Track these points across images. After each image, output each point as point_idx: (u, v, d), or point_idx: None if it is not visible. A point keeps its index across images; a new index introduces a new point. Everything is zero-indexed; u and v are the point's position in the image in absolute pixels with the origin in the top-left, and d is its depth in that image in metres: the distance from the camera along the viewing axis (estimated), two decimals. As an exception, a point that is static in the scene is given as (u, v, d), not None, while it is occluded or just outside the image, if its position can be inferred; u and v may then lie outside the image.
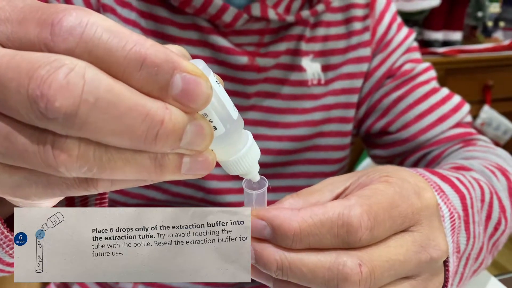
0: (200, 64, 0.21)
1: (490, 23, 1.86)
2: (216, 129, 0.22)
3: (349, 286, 0.25)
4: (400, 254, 0.26)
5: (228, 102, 0.22)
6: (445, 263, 0.31)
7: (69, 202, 0.33)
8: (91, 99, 0.17)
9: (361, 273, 0.25)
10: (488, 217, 0.39)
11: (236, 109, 0.23)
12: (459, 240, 0.33)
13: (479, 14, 1.81)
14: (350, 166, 0.38)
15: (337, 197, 0.29)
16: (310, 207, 0.26)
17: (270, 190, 0.54)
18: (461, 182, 0.36)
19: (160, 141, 0.18)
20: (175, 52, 0.19)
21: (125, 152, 0.19)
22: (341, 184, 0.30)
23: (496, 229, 0.40)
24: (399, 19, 0.61)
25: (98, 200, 0.33)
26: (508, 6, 1.95)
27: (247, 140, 0.24)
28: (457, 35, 1.75)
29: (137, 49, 0.18)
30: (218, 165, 0.28)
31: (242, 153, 0.24)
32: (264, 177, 0.27)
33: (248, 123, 0.53)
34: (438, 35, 1.74)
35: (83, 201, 0.33)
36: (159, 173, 0.20)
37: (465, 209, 0.34)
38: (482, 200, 0.38)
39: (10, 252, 0.27)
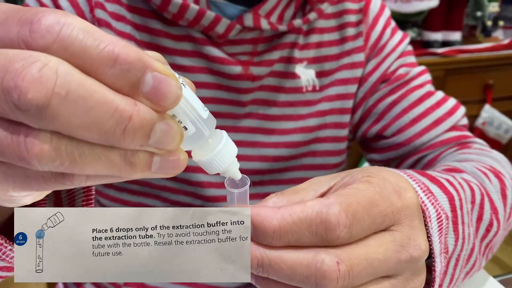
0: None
1: (489, 23, 1.85)
2: (186, 129, 0.22)
3: (327, 283, 0.25)
4: (379, 253, 0.26)
5: (196, 103, 0.22)
6: (432, 263, 0.31)
7: (56, 200, 0.34)
8: (63, 92, 0.18)
9: (339, 270, 0.25)
10: (479, 218, 0.39)
11: (206, 108, 0.23)
12: (447, 241, 0.33)
13: (478, 13, 1.81)
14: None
15: (321, 196, 0.29)
16: (290, 205, 0.26)
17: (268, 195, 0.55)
18: (451, 183, 0.37)
19: (128, 137, 0.19)
20: (149, 55, 0.20)
21: (96, 147, 0.19)
22: (325, 184, 0.30)
23: (488, 230, 0.40)
24: (393, 24, 0.61)
25: (85, 196, 0.33)
26: (507, 4, 1.94)
27: (222, 138, 0.25)
28: (456, 35, 1.75)
29: (110, 48, 0.18)
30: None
31: (216, 151, 0.24)
32: (246, 176, 0.28)
33: (244, 130, 0.54)
34: (437, 36, 1.73)
35: (70, 200, 0.34)
36: (129, 170, 0.20)
37: (453, 210, 0.34)
38: (473, 202, 0.39)
39: (3, 257, 0.28)
